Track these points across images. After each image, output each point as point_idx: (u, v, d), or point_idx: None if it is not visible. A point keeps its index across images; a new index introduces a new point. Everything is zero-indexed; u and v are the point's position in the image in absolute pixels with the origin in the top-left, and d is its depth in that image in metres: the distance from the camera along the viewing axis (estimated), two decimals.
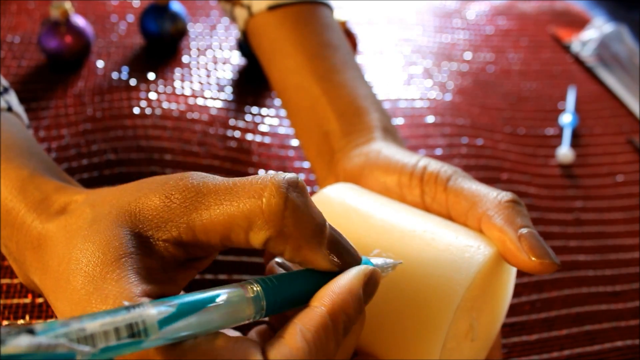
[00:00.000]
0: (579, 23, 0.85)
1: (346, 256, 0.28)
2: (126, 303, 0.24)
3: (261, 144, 0.55)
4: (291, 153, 0.55)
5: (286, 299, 0.27)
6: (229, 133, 0.54)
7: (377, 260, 0.30)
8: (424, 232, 0.32)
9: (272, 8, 0.49)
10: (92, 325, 0.21)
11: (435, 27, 0.78)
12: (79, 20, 0.58)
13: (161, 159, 0.50)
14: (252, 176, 0.27)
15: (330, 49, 0.47)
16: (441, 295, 0.30)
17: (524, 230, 0.31)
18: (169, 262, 0.27)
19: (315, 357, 0.25)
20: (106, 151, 0.50)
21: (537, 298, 0.48)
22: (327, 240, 0.28)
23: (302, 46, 0.47)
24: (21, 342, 0.19)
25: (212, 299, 0.25)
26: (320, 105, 0.44)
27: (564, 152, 0.61)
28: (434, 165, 0.36)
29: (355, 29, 0.68)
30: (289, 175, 0.27)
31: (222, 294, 0.25)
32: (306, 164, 0.54)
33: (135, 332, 0.22)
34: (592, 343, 0.46)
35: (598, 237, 0.55)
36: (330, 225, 0.28)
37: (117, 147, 0.50)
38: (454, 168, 0.36)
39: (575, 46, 0.79)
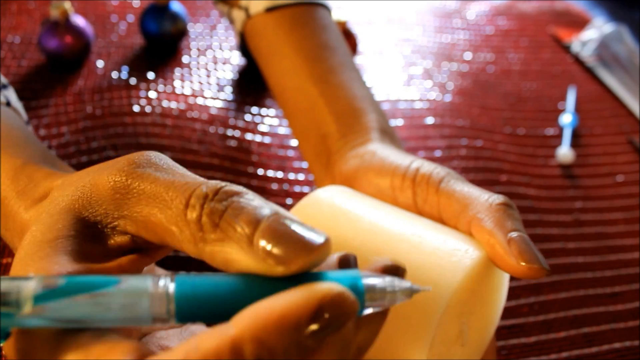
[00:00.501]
0: (579, 23, 0.85)
1: (294, 249, 0.22)
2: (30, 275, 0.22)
3: (261, 144, 0.55)
4: (290, 153, 0.55)
5: (206, 309, 0.22)
6: (229, 132, 0.54)
7: (380, 281, 0.23)
8: (412, 236, 0.32)
9: (269, 10, 0.49)
10: None
11: (435, 27, 0.78)
12: (79, 20, 0.58)
13: None
14: (188, 177, 0.25)
15: (328, 50, 0.47)
16: (427, 299, 0.29)
17: (513, 234, 0.31)
18: (115, 250, 0.27)
19: None
20: (106, 148, 0.50)
21: (535, 300, 0.48)
22: (262, 234, 0.22)
23: (299, 48, 0.47)
24: None
25: (107, 284, 0.21)
26: (317, 107, 0.44)
27: (564, 152, 0.61)
28: (427, 167, 0.36)
29: (355, 29, 0.68)
30: (211, 184, 0.24)
31: (122, 281, 0.22)
32: (305, 164, 0.54)
33: (7, 301, 0.20)
34: (590, 345, 0.46)
35: (598, 238, 0.55)
36: (277, 210, 0.23)
37: (117, 144, 0.50)
38: (447, 170, 0.36)
39: (575, 46, 0.79)
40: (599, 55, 0.77)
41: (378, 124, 0.42)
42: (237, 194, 0.24)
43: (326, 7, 0.51)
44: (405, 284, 0.24)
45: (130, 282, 0.21)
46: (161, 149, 0.51)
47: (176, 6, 0.61)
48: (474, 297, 0.33)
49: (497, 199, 0.33)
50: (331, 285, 0.21)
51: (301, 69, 0.46)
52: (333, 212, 0.34)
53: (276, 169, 0.53)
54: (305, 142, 0.45)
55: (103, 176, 0.26)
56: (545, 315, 0.47)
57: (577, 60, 0.78)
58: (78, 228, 0.26)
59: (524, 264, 0.30)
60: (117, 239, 0.26)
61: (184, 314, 0.21)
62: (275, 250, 0.22)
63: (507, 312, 0.46)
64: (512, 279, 0.37)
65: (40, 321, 0.21)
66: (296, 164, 0.54)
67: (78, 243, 0.25)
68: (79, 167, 0.48)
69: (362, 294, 0.22)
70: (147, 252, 0.27)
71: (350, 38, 0.65)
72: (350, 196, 0.36)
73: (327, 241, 0.22)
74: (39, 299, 0.21)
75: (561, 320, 0.47)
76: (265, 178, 0.52)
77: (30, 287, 0.21)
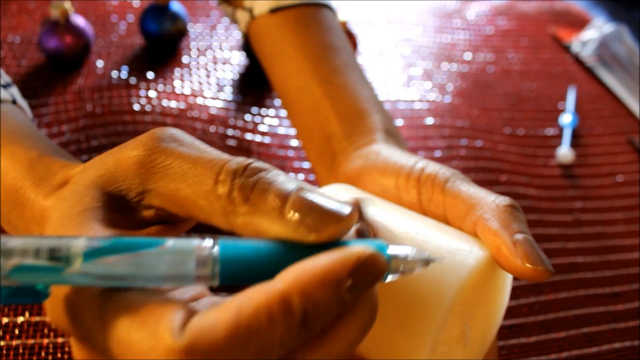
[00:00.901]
0: (579, 23, 0.85)
1: (324, 219, 0.23)
2: None
3: (261, 144, 0.55)
4: (290, 153, 0.55)
5: (248, 270, 0.23)
6: (229, 132, 0.54)
7: (402, 250, 0.26)
8: (416, 235, 0.32)
9: (273, 11, 0.49)
10: (14, 241, 0.20)
11: (435, 28, 0.78)
12: (79, 20, 0.58)
13: None
14: (213, 154, 0.26)
15: (333, 51, 0.47)
16: (430, 298, 0.29)
17: (519, 236, 0.31)
18: (141, 223, 0.27)
19: (246, 340, 0.21)
20: (106, 146, 0.50)
21: (535, 300, 0.48)
22: (292, 205, 0.24)
23: (304, 49, 0.47)
24: None
25: (152, 244, 0.22)
26: (322, 107, 0.44)
27: (564, 152, 0.61)
28: (432, 167, 0.36)
29: (355, 29, 0.68)
30: (239, 159, 0.26)
31: (167, 242, 0.22)
32: (306, 164, 0.54)
33: (56, 256, 0.21)
34: (590, 345, 0.46)
35: (597, 238, 0.55)
36: (303, 184, 0.25)
37: (117, 143, 0.50)
38: (453, 170, 0.36)
39: (575, 46, 0.79)
40: (599, 55, 0.77)
41: (382, 124, 0.42)
42: (264, 169, 0.25)
43: (330, 8, 0.51)
44: (423, 254, 0.26)
45: (176, 243, 0.22)
46: None
47: (176, 6, 0.61)
48: (477, 297, 0.33)
49: (503, 200, 0.33)
50: (365, 246, 0.23)
51: (306, 70, 0.46)
52: None
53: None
54: (309, 142, 0.45)
55: (126, 151, 0.27)
56: (545, 315, 0.47)
57: (577, 60, 0.78)
58: (105, 200, 0.26)
59: (529, 265, 0.30)
60: (143, 213, 0.27)
61: (227, 275, 0.22)
62: (308, 220, 0.23)
63: (507, 312, 0.46)
64: (512, 279, 0.37)
65: (87, 279, 0.21)
66: (296, 164, 0.54)
67: (107, 213, 0.26)
68: None
69: (389, 259, 0.24)
70: (172, 224, 0.28)
71: (350, 38, 0.65)
72: (354, 194, 0.36)
73: (353, 212, 0.24)
74: (87, 256, 0.21)
75: (561, 320, 0.47)
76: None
77: (79, 245, 0.21)
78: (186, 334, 0.20)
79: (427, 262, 0.26)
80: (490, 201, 0.33)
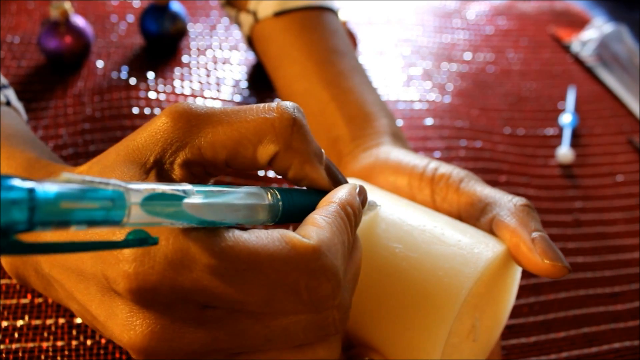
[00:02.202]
0: (579, 23, 0.85)
1: (339, 180, 0.32)
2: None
3: None
4: None
5: (297, 207, 0.29)
6: None
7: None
8: (434, 228, 0.33)
9: (278, 14, 0.49)
10: (137, 184, 0.21)
11: (435, 28, 0.78)
12: (79, 21, 0.58)
13: None
14: (258, 104, 0.29)
15: (338, 54, 0.47)
16: (449, 287, 0.30)
17: (536, 234, 0.32)
18: (177, 182, 0.28)
19: (340, 236, 0.27)
20: (104, 151, 0.50)
21: (535, 300, 0.48)
22: (326, 159, 0.31)
23: (309, 52, 0.47)
24: (73, 177, 0.19)
25: (237, 189, 0.26)
26: (329, 110, 0.44)
27: (564, 152, 0.61)
28: (446, 167, 0.37)
29: (355, 29, 0.68)
30: (292, 102, 0.29)
31: (244, 188, 0.26)
32: None
33: (176, 191, 0.22)
34: (590, 345, 0.46)
35: (597, 238, 0.55)
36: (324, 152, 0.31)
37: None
38: (466, 171, 0.37)
39: (575, 46, 0.79)
40: (598, 55, 0.77)
41: (389, 128, 0.43)
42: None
43: (334, 12, 0.51)
44: (371, 200, 0.34)
45: (250, 190, 0.26)
46: None
47: (176, 6, 0.61)
48: (489, 293, 0.33)
49: (519, 200, 0.34)
50: (354, 182, 0.32)
51: (311, 73, 0.46)
52: None
53: None
54: None
55: (154, 121, 0.28)
56: (545, 315, 0.47)
57: (577, 60, 0.78)
58: (145, 172, 0.27)
59: (547, 262, 0.31)
60: (176, 172, 0.28)
61: (284, 218, 0.28)
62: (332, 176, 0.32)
63: None
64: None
65: (201, 210, 0.23)
66: None
67: (152, 181, 0.27)
68: None
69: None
70: (204, 178, 0.30)
71: (350, 38, 0.65)
72: (370, 187, 0.37)
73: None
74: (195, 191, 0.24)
75: (561, 320, 0.47)
76: (265, 178, 0.52)
77: (190, 187, 0.23)
78: (312, 238, 0.26)
79: (375, 206, 0.34)
80: (507, 200, 0.34)
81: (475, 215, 0.34)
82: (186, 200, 0.23)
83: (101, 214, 0.19)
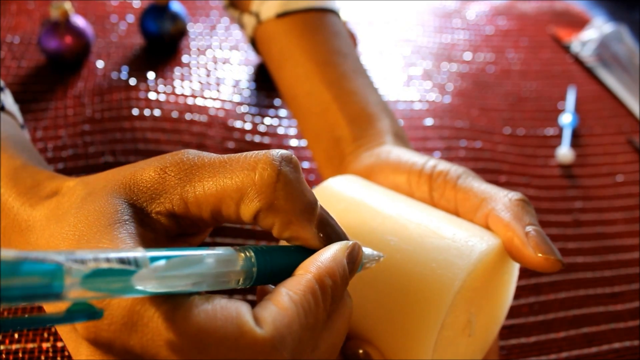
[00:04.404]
0: (579, 23, 0.85)
1: (335, 237, 0.29)
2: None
3: (260, 144, 0.55)
4: None
5: (275, 270, 0.27)
6: (228, 134, 0.54)
7: (364, 250, 0.30)
8: (430, 222, 0.33)
9: (280, 15, 0.49)
10: (82, 253, 0.20)
11: (435, 28, 0.78)
12: (79, 21, 0.58)
13: None
14: (246, 152, 0.28)
15: (340, 56, 0.47)
16: (442, 278, 0.30)
17: (530, 228, 0.32)
18: (162, 235, 0.28)
19: (305, 319, 0.25)
20: (104, 153, 0.50)
21: (535, 300, 0.48)
22: (317, 220, 0.28)
23: (312, 53, 0.47)
24: (8, 253, 0.18)
25: (204, 255, 0.24)
26: (331, 111, 0.44)
27: (564, 152, 0.61)
28: (444, 165, 0.37)
29: (355, 29, 0.68)
30: (283, 151, 0.28)
31: (215, 251, 0.25)
32: (305, 164, 0.54)
33: (126, 260, 0.21)
34: (589, 345, 0.46)
35: (597, 238, 0.55)
36: (321, 206, 0.29)
37: (115, 150, 0.50)
38: (464, 168, 0.37)
39: (575, 46, 0.79)
40: (598, 55, 0.77)
41: (392, 128, 0.43)
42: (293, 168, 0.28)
43: (336, 13, 0.51)
44: (374, 253, 0.31)
45: (222, 252, 0.25)
46: (160, 154, 0.51)
47: (176, 6, 0.61)
48: (485, 288, 0.33)
49: (515, 195, 0.34)
50: (347, 242, 0.29)
51: (314, 74, 0.46)
52: (349, 198, 0.35)
53: None
54: (317, 144, 0.45)
55: (149, 163, 0.28)
56: (545, 315, 0.47)
57: (577, 60, 0.78)
58: (130, 213, 0.27)
59: (540, 255, 0.31)
60: (162, 223, 0.27)
61: (260, 277, 0.26)
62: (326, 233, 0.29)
63: (508, 312, 0.46)
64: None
65: (154, 284, 0.22)
66: None
67: (136, 227, 0.26)
68: (77, 170, 0.48)
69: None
70: (186, 238, 0.29)
71: (350, 38, 0.65)
72: (366, 184, 0.37)
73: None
74: (152, 261, 0.22)
75: (561, 320, 0.47)
76: None
77: (142, 254, 0.22)
78: (267, 325, 0.24)
79: (378, 258, 0.31)
80: (502, 195, 0.34)
81: (472, 211, 0.34)
82: (137, 275, 0.21)
83: (38, 289, 0.18)
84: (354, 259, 0.28)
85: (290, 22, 0.49)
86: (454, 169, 0.36)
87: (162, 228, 0.27)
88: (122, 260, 0.21)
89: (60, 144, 0.50)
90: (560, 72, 0.75)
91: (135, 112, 0.53)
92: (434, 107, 0.64)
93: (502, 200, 0.33)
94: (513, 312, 0.47)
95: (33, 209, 0.30)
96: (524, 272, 0.39)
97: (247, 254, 0.26)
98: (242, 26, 0.55)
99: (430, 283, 0.30)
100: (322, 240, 0.28)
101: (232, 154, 0.28)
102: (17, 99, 0.44)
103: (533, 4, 0.88)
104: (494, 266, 0.33)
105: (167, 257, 0.22)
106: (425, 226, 0.33)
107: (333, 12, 0.50)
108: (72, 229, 0.26)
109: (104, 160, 0.49)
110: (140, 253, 0.22)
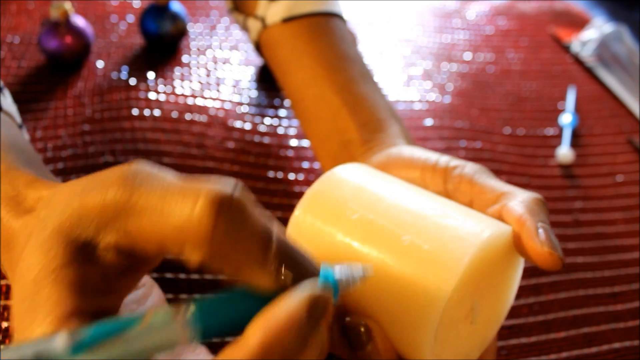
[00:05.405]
0: (579, 23, 0.85)
1: (300, 270, 0.25)
2: (42, 337, 0.22)
3: (260, 144, 0.55)
4: (290, 153, 0.55)
5: (225, 323, 0.24)
6: (228, 134, 0.54)
7: (344, 270, 0.27)
8: (441, 209, 0.33)
9: (286, 20, 0.49)
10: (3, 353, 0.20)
11: (435, 28, 0.78)
12: (79, 21, 0.58)
13: (159, 162, 0.50)
14: (191, 181, 0.25)
15: (348, 61, 0.47)
16: (449, 257, 0.30)
17: (541, 224, 0.32)
18: (110, 270, 0.26)
19: None
20: (104, 153, 0.50)
21: (535, 300, 0.48)
22: (274, 257, 0.25)
23: (319, 58, 0.47)
24: None
25: (133, 323, 0.23)
26: (340, 116, 0.44)
27: (564, 152, 0.61)
28: (459, 160, 0.37)
29: (355, 29, 0.68)
30: (226, 185, 0.24)
31: (144, 318, 0.23)
32: (305, 164, 0.54)
33: (44, 354, 0.21)
34: (590, 345, 0.46)
35: (597, 238, 0.55)
36: (280, 236, 0.25)
37: (115, 150, 0.50)
38: (480, 165, 0.37)
39: (575, 46, 0.79)
40: (598, 55, 0.77)
41: (402, 133, 0.44)
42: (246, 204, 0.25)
43: (342, 18, 0.51)
44: (357, 271, 0.27)
45: (153, 316, 0.23)
46: (160, 154, 0.51)
47: (176, 6, 0.61)
48: (491, 275, 0.33)
49: (533, 194, 0.34)
50: (313, 285, 0.25)
51: (322, 79, 0.46)
52: (355, 185, 0.35)
53: (275, 169, 0.53)
54: (324, 147, 0.45)
55: (93, 194, 0.25)
56: (545, 315, 0.47)
57: (577, 60, 0.78)
58: (71, 252, 0.25)
59: (546, 249, 0.31)
60: (110, 257, 0.26)
61: (208, 333, 0.24)
62: (287, 277, 0.25)
63: (508, 312, 0.46)
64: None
65: None
66: (296, 164, 0.54)
67: (76, 269, 0.25)
68: (76, 170, 0.48)
69: (335, 284, 0.26)
70: (138, 266, 0.27)
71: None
72: (374, 173, 0.37)
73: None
74: (74, 350, 0.21)
75: (561, 320, 0.47)
76: (265, 179, 0.52)
77: (62, 345, 0.21)
78: None
79: (364, 277, 0.27)
80: (520, 193, 0.34)
81: (487, 204, 0.35)
82: None
83: None
84: (320, 311, 0.24)
85: (297, 26, 0.49)
86: (470, 164, 0.37)
87: (108, 263, 0.26)
88: (39, 354, 0.20)
89: (60, 143, 0.50)
90: (560, 72, 0.75)
91: (135, 112, 0.53)
92: (434, 107, 0.64)
93: (519, 197, 0.34)
94: (513, 312, 0.47)
95: (12, 223, 0.29)
96: (524, 272, 0.38)
97: (188, 310, 0.23)
98: (246, 30, 0.55)
99: (441, 255, 0.30)
100: (280, 280, 0.25)
101: (176, 180, 0.25)
102: (17, 99, 0.44)
103: (533, 4, 0.88)
104: (502, 255, 0.33)
105: (90, 343, 0.21)
106: (437, 215, 0.33)
107: (338, 17, 0.50)
108: (22, 276, 0.25)
109: (103, 160, 0.49)
110: (60, 340, 0.21)
